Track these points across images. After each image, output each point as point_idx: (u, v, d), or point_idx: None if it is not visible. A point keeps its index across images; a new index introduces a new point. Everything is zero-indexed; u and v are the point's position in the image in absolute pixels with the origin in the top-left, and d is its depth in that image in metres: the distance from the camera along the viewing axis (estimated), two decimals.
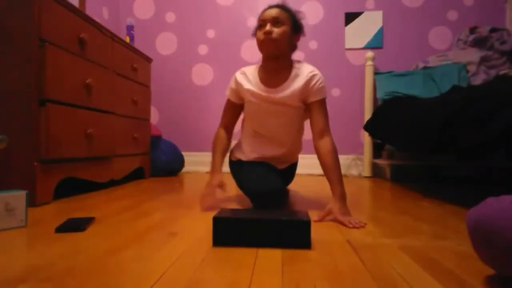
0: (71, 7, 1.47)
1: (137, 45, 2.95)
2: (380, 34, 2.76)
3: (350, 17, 2.79)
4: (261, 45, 1.23)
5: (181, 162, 2.61)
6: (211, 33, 2.92)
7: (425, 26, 2.75)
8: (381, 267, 0.68)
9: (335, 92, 2.83)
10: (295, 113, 1.32)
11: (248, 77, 1.35)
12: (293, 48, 1.31)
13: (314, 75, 1.26)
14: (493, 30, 2.45)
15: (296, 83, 1.27)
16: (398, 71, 2.60)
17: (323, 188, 1.93)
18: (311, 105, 1.27)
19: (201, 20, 2.93)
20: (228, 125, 1.43)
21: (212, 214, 1.20)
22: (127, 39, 2.28)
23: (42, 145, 1.31)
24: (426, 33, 2.75)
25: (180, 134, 2.96)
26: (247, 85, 1.33)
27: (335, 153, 1.19)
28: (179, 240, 0.87)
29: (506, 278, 0.62)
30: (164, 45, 2.96)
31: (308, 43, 2.84)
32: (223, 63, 2.92)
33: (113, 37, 1.87)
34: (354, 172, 2.79)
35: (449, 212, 1.26)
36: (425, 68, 2.55)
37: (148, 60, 2.37)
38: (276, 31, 1.20)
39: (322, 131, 1.24)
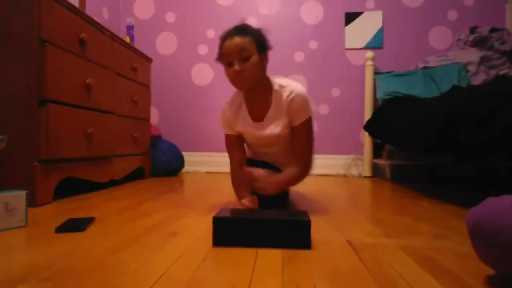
0: (71, 7, 1.47)
1: (137, 45, 2.95)
2: (380, 34, 2.76)
3: (350, 17, 2.79)
4: (234, 83, 1.16)
5: (181, 162, 2.61)
6: (211, 33, 2.92)
7: (425, 26, 2.75)
8: (381, 267, 0.68)
9: (335, 92, 2.83)
10: (289, 135, 1.27)
11: (238, 112, 1.28)
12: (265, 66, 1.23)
13: (292, 98, 1.18)
14: (493, 30, 2.45)
15: (280, 114, 1.21)
16: (398, 71, 2.60)
17: (323, 188, 1.93)
18: (295, 128, 1.22)
19: (201, 20, 2.93)
20: (240, 160, 1.30)
21: (213, 214, 1.20)
22: (127, 39, 2.29)
23: (42, 145, 1.31)
24: (426, 33, 2.75)
25: (180, 134, 2.95)
26: (238, 126, 1.28)
27: (302, 173, 1.21)
28: (179, 240, 0.87)
29: (506, 278, 0.62)
30: (164, 45, 2.96)
31: (308, 43, 2.84)
32: None
33: (113, 37, 1.87)
34: (354, 172, 2.79)
35: (449, 212, 1.26)
36: (425, 68, 2.55)
37: (148, 60, 2.37)
38: (246, 67, 1.11)
39: (301, 156, 1.22)
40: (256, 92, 1.21)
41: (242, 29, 1.14)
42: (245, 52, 1.11)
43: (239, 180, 1.25)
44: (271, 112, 1.22)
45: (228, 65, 1.14)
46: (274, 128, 1.24)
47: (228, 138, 1.33)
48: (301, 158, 1.22)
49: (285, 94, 1.19)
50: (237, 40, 1.11)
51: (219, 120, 1.33)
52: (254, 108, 1.25)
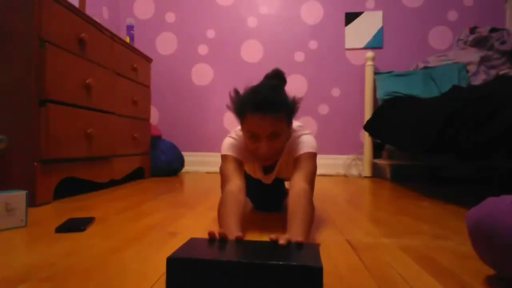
0: (71, 7, 1.47)
1: (137, 45, 2.95)
2: (380, 34, 2.76)
3: (350, 17, 2.79)
4: (257, 157, 1.00)
5: (181, 162, 2.61)
6: (211, 33, 2.92)
7: (425, 26, 2.75)
8: (381, 267, 0.68)
9: (335, 92, 2.83)
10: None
11: (248, 156, 1.07)
12: None
13: (298, 148, 1.02)
14: (493, 30, 2.45)
15: (287, 160, 1.07)
16: (398, 71, 2.60)
17: (323, 188, 1.93)
18: (295, 160, 1.01)
19: (201, 20, 2.92)
20: (241, 184, 0.96)
21: (213, 214, 1.20)
22: (127, 39, 2.29)
23: (42, 145, 1.31)
24: (426, 33, 2.75)
25: (180, 134, 2.96)
26: (246, 167, 1.13)
27: (308, 202, 0.85)
28: (179, 240, 0.87)
29: (506, 278, 0.62)
30: (164, 45, 2.96)
31: (308, 43, 2.84)
32: (223, 63, 2.92)
33: (113, 37, 1.87)
34: (354, 172, 2.79)
35: (449, 212, 1.26)
36: (425, 68, 2.55)
37: (148, 60, 2.37)
38: (274, 145, 0.94)
39: (300, 189, 0.90)
40: None
41: (275, 103, 0.90)
42: (276, 132, 0.92)
43: (238, 204, 0.88)
44: (281, 161, 1.08)
45: (252, 137, 0.94)
46: (283, 173, 1.15)
47: (229, 159, 1.03)
48: (301, 187, 0.90)
49: (293, 144, 1.03)
50: (269, 120, 0.89)
51: (224, 144, 1.07)
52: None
